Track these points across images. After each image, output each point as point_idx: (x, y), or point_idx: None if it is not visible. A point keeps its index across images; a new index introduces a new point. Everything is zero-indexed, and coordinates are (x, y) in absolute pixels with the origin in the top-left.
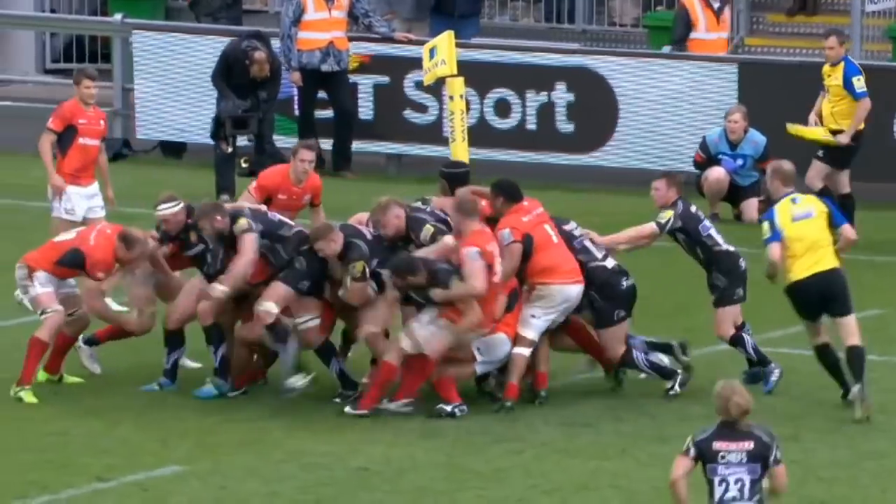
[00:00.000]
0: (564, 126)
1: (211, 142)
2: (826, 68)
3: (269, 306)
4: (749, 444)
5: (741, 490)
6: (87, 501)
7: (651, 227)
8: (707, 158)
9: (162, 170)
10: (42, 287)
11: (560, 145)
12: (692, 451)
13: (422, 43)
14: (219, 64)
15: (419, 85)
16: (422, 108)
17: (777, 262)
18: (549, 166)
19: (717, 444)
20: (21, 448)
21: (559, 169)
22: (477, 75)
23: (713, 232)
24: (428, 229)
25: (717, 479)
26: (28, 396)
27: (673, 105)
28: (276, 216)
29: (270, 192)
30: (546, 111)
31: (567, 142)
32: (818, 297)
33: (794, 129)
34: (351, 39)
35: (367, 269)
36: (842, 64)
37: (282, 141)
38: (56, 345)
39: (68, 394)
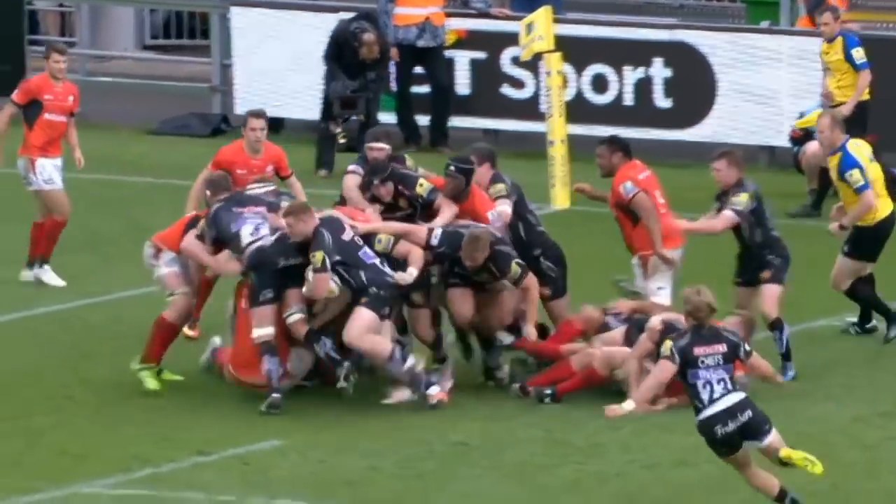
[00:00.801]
0: (662, 101)
1: (308, 117)
2: (824, 46)
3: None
4: (722, 347)
5: (725, 386)
6: (188, 475)
7: (728, 217)
8: (804, 133)
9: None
10: (167, 267)
11: (657, 121)
12: (677, 358)
13: (519, 18)
14: (329, 45)
15: (516, 60)
16: (519, 84)
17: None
18: (646, 142)
19: (696, 350)
20: (123, 422)
21: (656, 145)
22: (574, 50)
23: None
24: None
25: (700, 383)
26: (150, 381)
27: (771, 80)
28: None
29: (227, 167)
30: (643, 86)
31: (664, 117)
32: (887, 236)
33: (802, 123)
34: (447, 15)
35: (328, 261)
36: (840, 38)
37: (380, 117)
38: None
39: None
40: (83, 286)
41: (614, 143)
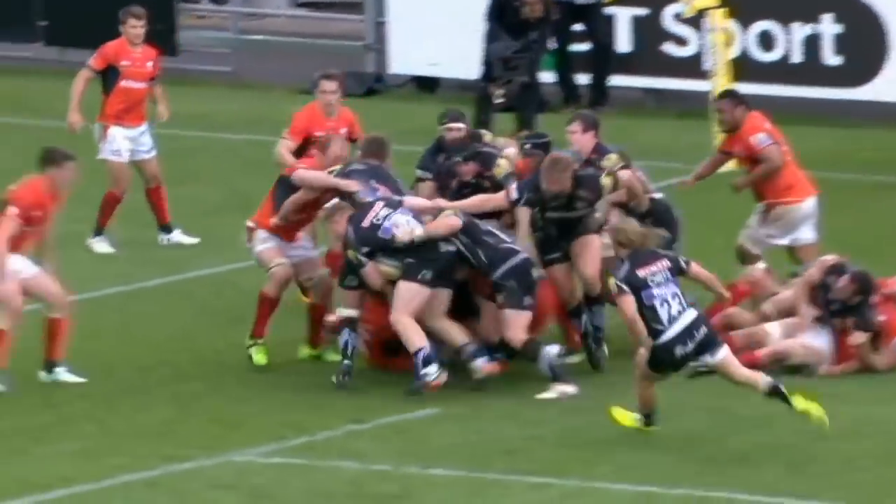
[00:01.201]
0: (832, 59)
1: (464, 77)
2: None
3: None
4: (664, 263)
5: (681, 302)
6: (342, 443)
7: None
8: None
9: (415, 105)
10: (262, 244)
11: (826, 79)
12: (626, 287)
13: None
14: (491, 4)
15: (679, 16)
16: (681, 41)
17: None
18: (815, 101)
19: (640, 272)
20: (277, 389)
21: (825, 104)
22: (740, 6)
23: None
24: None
25: (657, 302)
26: (259, 355)
27: None
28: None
29: (307, 133)
30: (812, 43)
31: (834, 75)
32: None
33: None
34: None
35: (359, 256)
36: None
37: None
38: (311, 317)
39: None
40: (235, 250)
41: (736, 96)
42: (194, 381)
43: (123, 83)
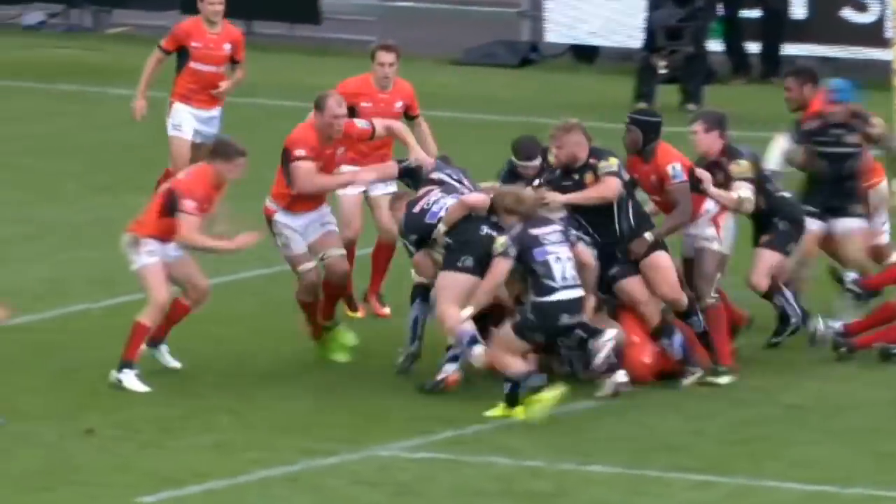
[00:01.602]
0: None
1: (625, 46)
2: None
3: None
4: (557, 226)
5: (573, 268)
6: (492, 437)
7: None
8: None
9: (572, 76)
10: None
11: None
12: (513, 250)
13: None
14: None
15: None
16: (861, 7)
17: None
18: None
19: (532, 231)
20: (424, 380)
21: None
22: None
23: None
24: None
25: (551, 258)
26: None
27: None
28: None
29: (352, 100)
30: None
31: None
32: None
33: None
34: None
35: (407, 245)
36: None
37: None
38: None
39: None
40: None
41: (804, 72)
42: (335, 370)
43: (193, 65)
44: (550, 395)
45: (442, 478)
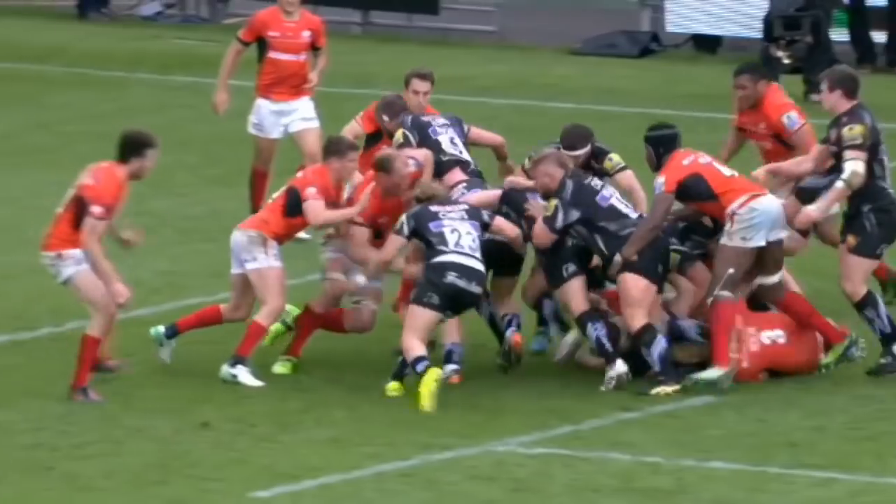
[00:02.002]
0: None
1: (748, 35)
2: None
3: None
4: (463, 206)
5: (475, 241)
6: (611, 432)
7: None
8: None
9: (694, 67)
10: (333, 253)
11: None
12: (408, 227)
13: None
14: None
15: None
16: None
17: None
18: None
19: (433, 208)
20: (540, 374)
21: None
22: None
23: None
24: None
25: (447, 229)
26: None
27: None
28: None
29: (375, 127)
30: None
31: None
32: None
33: None
34: None
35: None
36: None
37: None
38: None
39: None
40: None
41: (758, 70)
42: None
43: (272, 55)
44: (428, 380)
45: (559, 474)
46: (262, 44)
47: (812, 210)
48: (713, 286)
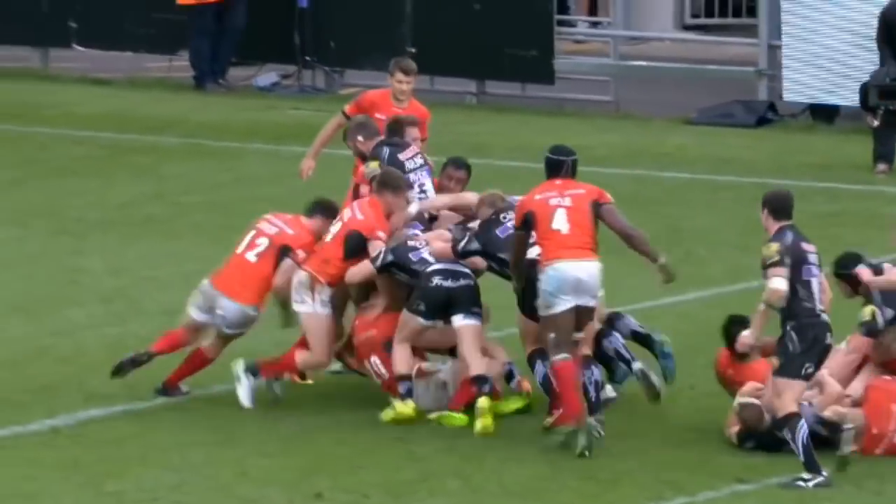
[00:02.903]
0: None
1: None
2: None
3: None
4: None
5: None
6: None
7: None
8: None
9: (811, 136)
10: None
11: None
12: (387, 257)
13: None
14: (878, 26)
15: None
16: None
17: None
18: None
19: (410, 243)
20: (656, 444)
21: None
22: None
23: None
24: None
25: (424, 252)
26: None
27: None
28: None
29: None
30: None
31: None
32: None
33: None
34: None
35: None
36: None
37: None
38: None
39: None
40: (611, 293)
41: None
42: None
43: None
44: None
45: None
46: None
47: (745, 335)
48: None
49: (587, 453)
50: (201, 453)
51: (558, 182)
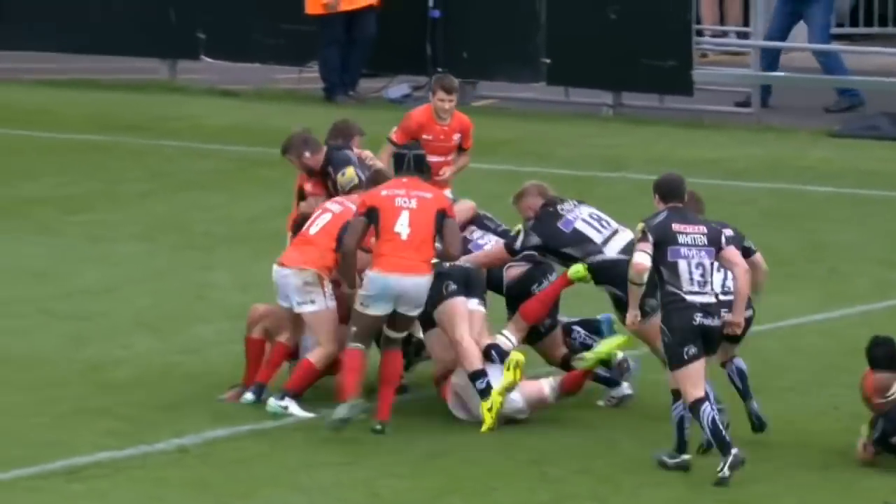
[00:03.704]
0: None
1: None
2: None
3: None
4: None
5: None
6: None
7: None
8: None
9: None
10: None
11: None
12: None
13: None
14: None
15: None
16: None
17: None
18: None
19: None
20: (798, 467)
21: None
22: None
23: None
24: None
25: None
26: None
27: None
28: None
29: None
30: None
31: None
32: None
33: None
34: None
35: None
36: None
37: None
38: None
39: None
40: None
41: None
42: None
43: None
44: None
45: None
46: None
47: (628, 315)
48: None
49: (339, 424)
50: (330, 474)
51: (405, 180)
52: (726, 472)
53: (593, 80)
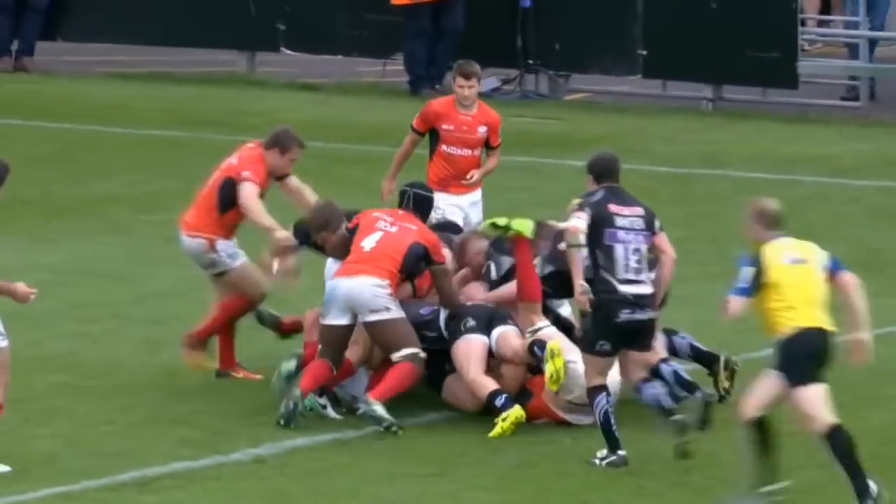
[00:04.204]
0: None
1: None
2: None
3: None
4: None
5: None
6: None
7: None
8: None
9: None
10: None
11: None
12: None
13: None
14: None
15: None
16: None
17: None
18: None
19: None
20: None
21: None
22: None
23: None
24: None
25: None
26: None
27: None
28: None
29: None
30: None
31: None
32: None
33: None
34: None
35: None
36: None
37: None
38: None
39: None
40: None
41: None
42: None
43: (444, 148)
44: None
45: None
46: (434, 136)
47: (575, 286)
48: None
49: (283, 410)
50: (414, 486)
51: (401, 213)
52: (601, 463)
53: (692, 72)
